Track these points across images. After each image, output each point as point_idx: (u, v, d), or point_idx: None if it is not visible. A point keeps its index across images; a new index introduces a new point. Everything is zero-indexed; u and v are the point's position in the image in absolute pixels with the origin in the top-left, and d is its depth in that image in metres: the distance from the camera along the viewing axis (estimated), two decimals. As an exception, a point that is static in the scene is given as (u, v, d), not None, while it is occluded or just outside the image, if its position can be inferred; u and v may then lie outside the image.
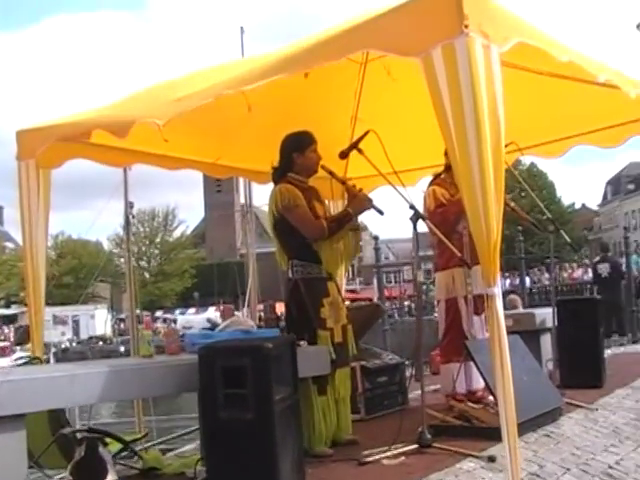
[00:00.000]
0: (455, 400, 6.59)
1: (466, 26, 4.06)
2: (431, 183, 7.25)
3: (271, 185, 5.97)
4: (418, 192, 7.43)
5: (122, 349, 42.09)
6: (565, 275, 32.19)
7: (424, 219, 5.52)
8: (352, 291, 61.08)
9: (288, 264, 5.79)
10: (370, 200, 5.81)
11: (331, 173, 5.87)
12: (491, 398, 6.87)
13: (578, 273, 30.86)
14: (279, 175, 5.88)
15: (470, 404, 6.34)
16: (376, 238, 15.25)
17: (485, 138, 4.11)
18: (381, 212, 5.73)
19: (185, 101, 5.29)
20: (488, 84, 4.17)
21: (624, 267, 18.33)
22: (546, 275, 31.88)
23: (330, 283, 5.84)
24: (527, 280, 33.04)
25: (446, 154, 6.79)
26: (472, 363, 6.47)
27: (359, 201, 5.76)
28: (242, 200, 30.40)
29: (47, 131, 6.07)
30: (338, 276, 6.22)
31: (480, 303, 6.84)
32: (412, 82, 5.19)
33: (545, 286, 29.70)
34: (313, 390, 5.55)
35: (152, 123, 5.02)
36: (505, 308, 4.64)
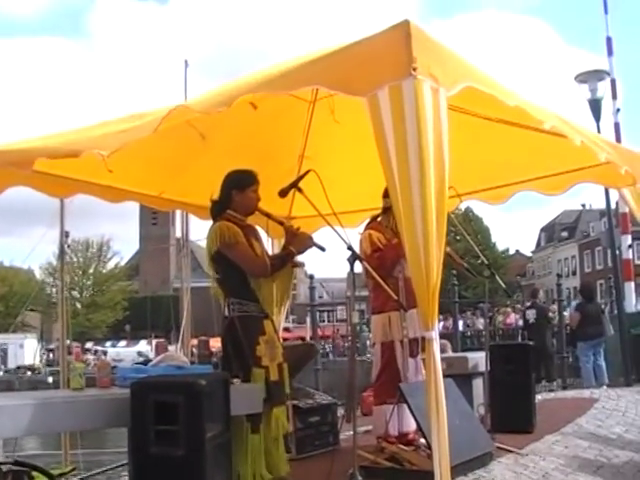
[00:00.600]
0: (387, 442, 6.59)
1: (414, 69, 4.08)
2: (367, 226, 7.26)
3: (210, 221, 5.94)
4: (357, 234, 7.47)
5: (50, 380, 41.35)
6: (500, 319, 32.46)
7: (361, 260, 5.55)
8: (285, 329, 60.90)
9: (225, 302, 5.74)
10: (311, 238, 5.83)
11: (268, 215, 5.89)
12: (422, 440, 6.91)
13: (512, 318, 31.14)
14: (217, 210, 5.86)
15: (401, 446, 6.35)
16: (311, 277, 15.16)
17: (429, 182, 4.12)
18: (322, 249, 5.76)
19: (130, 132, 5.27)
20: (435, 127, 4.19)
21: (554, 313, 18.56)
22: (480, 320, 32.12)
23: (266, 321, 5.80)
24: (460, 324, 33.34)
25: (384, 196, 6.86)
26: (404, 405, 6.50)
27: (301, 240, 5.78)
28: (178, 234, 30.28)
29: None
30: (275, 314, 6.19)
31: (415, 346, 6.92)
32: (358, 124, 5.22)
33: (478, 330, 29.94)
34: (246, 428, 5.47)
35: (97, 154, 4.99)
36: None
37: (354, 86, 4.35)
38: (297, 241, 5.78)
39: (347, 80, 4.40)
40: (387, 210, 7.04)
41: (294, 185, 5.65)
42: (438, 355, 4.26)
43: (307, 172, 5.77)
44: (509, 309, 31.24)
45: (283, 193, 5.64)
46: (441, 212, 4.20)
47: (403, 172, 4.17)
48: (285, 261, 5.79)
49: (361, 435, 7.03)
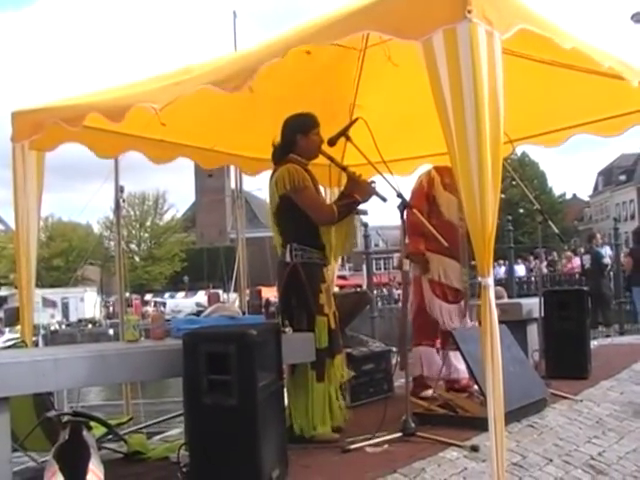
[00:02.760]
0: (421, 385, 6.81)
1: (469, 11, 4.00)
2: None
3: (263, 176, 5.93)
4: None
5: (111, 332, 42.12)
6: (562, 264, 32.03)
7: (411, 207, 5.52)
8: (342, 277, 61.07)
9: (286, 248, 5.68)
10: (374, 187, 5.74)
11: (331, 159, 5.78)
12: (475, 387, 6.93)
13: (575, 263, 30.65)
14: (280, 155, 5.82)
15: (454, 393, 6.36)
16: (366, 225, 15.20)
17: (484, 127, 4.07)
18: (384, 199, 5.68)
19: (182, 86, 5.30)
20: (490, 72, 4.12)
21: (607, 259, 18.32)
22: (544, 264, 31.79)
23: (326, 269, 5.83)
24: (523, 268, 32.98)
25: None
26: (452, 352, 6.55)
27: (364, 187, 5.68)
28: (233, 185, 30.39)
29: (43, 113, 6.05)
30: (333, 263, 6.21)
31: (454, 293, 6.95)
32: (413, 69, 5.14)
33: (543, 275, 29.61)
34: (311, 377, 5.54)
35: (149, 107, 5.03)
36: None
37: (407, 30, 4.28)
38: (361, 189, 5.68)
39: (400, 24, 4.31)
40: None
41: (342, 133, 5.62)
42: (494, 302, 4.23)
43: (355, 120, 5.74)
44: (571, 254, 30.79)
45: (331, 142, 5.61)
46: (496, 158, 4.14)
47: (458, 117, 4.12)
48: (350, 209, 5.73)
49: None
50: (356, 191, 5.69)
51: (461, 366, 6.77)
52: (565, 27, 5.04)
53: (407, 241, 6.68)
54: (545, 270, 30.72)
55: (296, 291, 5.62)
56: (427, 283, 7.08)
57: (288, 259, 5.65)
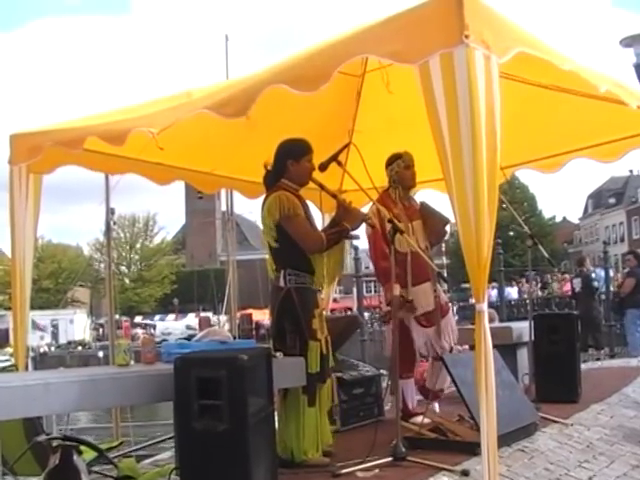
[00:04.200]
0: (407, 416, 6.72)
1: (466, 36, 4.06)
2: (377, 199, 6.92)
3: (256, 200, 5.95)
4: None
5: (101, 354, 41.90)
6: (555, 287, 32.09)
7: (402, 233, 5.54)
8: (333, 300, 61.01)
9: (280, 272, 5.68)
10: (363, 214, 5.83)
11: (321, 186, 5.78)
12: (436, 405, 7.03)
13: (570, 286, 30.71)
14: (272, 180, 5.82)
15: (445, 418, 6.36)
16: (356, 248, 15.18)
17: (481, 153, 4.11)
18: (373, 227, 5.80)
19: (179, 110, 5.33)
20: (487, 96, 4.16)
21: (600, 282, 18.33)
22: (538, 286, 31.79)
23: (319, 295, 5.84)
24: (515, 291, 33.00)
25: (387, 165, 6.88)
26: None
27: (354, 215, 5.73)
28: (223, 207, 30.42)
29: (41, 136, 6.09)
30: (325, 288, 6.21)
31: (430, 317, 6.93)
32: (412, 95, 5.19)
33: (535, 298, 29.49)
34: (302, 401, 5.54)
35: (147, 132, 5.06)
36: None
37: (404, 54, 4.34)
38: (351, 216, 5.71)
39: (397, 48, 4.37)
40: (395, 180, 7.01)
41: (334, 159, 5.62)
42: (488, 327, 4.26)
43: (347, 145, 5.79)
44: (567, 276, 30.81)
45: (322, 167, 5.61)
46: (492, 184, 4.18)
47: (454, 142, 4.16)
48: (339, 237, 5.74)
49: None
50: (346, 218, 5.71)
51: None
52: (563, 50, 5.06)
53: (382, 287, 6.75)
54: (539, 292, 30.72)
55: (289, 316, 5.62)
56: (412, 319, 7.00)
57: (282, 284, 5.66)
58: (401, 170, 6.99)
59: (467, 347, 7.70)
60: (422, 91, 4.25)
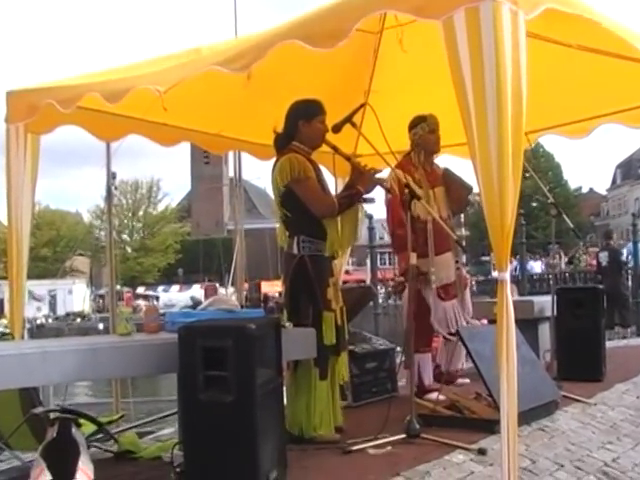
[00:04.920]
0: (423, 393, 6.77)
1: None
2: (397, 164, 6.91)
3: (264, 164, 5.95)
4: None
5: (101, 326, 42.10)
6: (584, 260, 31.93)
7: (419, 199, 5.54)
8: (345, 272, 60.97)
9: (293, 239, 5.69)
10: (378, 178, 5.81)
11: (334, 148, 5.79)
12: (461, 380, 7.03)
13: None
14: (282, 142, 5.82)
15: (461, 394, 6.38)
16: (370, 217, 15.11)
17: (506, 114, 4.07)
18: (389, 191, 5.81)
19: (187, 67, 5.32)
20: (513, 54, 4.11)
21: (628, 256, 18.31)
22: (565, 259, 31.66)
23: (334, 263, 5.85)
24: (539, 265, 32.94)
25: (411, 128, 6.88)
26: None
27: (368, 178, 5.73)
28: (231, 173, 30.37)
29: (39, 93, 6.07)
30: (340, 256, 6.21)
31: (450, 289, 6.94)
32: (431, 53, 5.14)
33: (559, 272, 29.24)
34: (314, 374, 5.56)
35: (153, 90, 5.05)
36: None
37: (428, 9, 4.27)
38: (364, 179, 5.72)
39: (420, 3, 4.31)
40: (419, 144, 7.01)
41: (348, 120, 5.60)
42: (510, 298, 4.25)
43: (362, 106, 5.78)
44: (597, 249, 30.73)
45: (336, 128, 5.60)
46: (517, 148, 4.14)
47: (479, 103, 4.12)
48: (352, 201, 5.75)
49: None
50: (359, 182, 5.73)
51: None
52: (594, 7, 4.97)
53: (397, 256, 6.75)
54: (564, 266, 30.60)
55: (303, 285, 5.64)
56: (431, 290, 6.99)
57: (295, 251, 5.67)
58: (425, 134, 7.00)
59: (485, 321, 7.71)
60: (445, 48, 4.20)
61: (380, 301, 20.85)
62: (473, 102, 4.13)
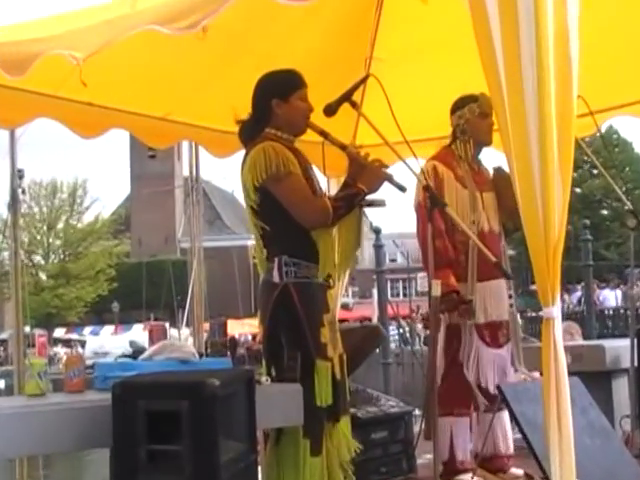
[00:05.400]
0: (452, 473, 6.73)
1: None
2: (434, 155, 7.08)
3: (234, 159, 5.89)
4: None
5: (1, 384, 42.06)
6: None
7: (444, 206, 5.53)
8: (343, 307, 60.75)
9: (273, 262, 5.62)
10: (386, 172, 5.69)
11: (323, 133, 5.71)
12: (514, 471, 6.97)
13: None
14: (253, 130, 5.74)
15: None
16: (377, 231, 15.07)
17: (549, 90, 4.08)
18: (402, 188, 5.59)
19: (117, 25, 5.30)
20: (557, 7, 4.11)
21: None
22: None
23: (330, 293, 5.79)
24: (614, 296, 32.85)
25: (453, 111, 6.88)
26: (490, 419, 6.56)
27: (372, 173, 5.66)
28: (186, 171, 30.40)
29: None
30: (337, 283, 6.15)
31: (498, 332, 6.93)
32: (451, 9, 5.16)
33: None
34: (303, 448, 5.47)
35: (68, 56, 5.02)
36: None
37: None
38: (367, 174, 5.65)
39: None
40: (465, 132, 7.01)
41: (346, 98, 5.57)
42: (561, 342, 4.26)
43: (365, 78, 5.77)
44: None
45: (330, 110, 5.55)
46: (567, 135, 4.16)
47: (512, 75, 4.13)
48: (352, 204, 5.66)
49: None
50: (361, 177, 5.66)
51: (499, 437, 6.86)
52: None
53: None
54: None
55: (288, 324, 5.58)
56: (471, 329, 6.99)
57: (276, 278, 5.59)
58: (474, 118, 6.95)
59: (538, 375, 7.71)
60: (469, 5, 4.22)
61: (392, 346, 20.85)
62: (505, 73, 4.14)
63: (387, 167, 5.73)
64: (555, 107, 4.08)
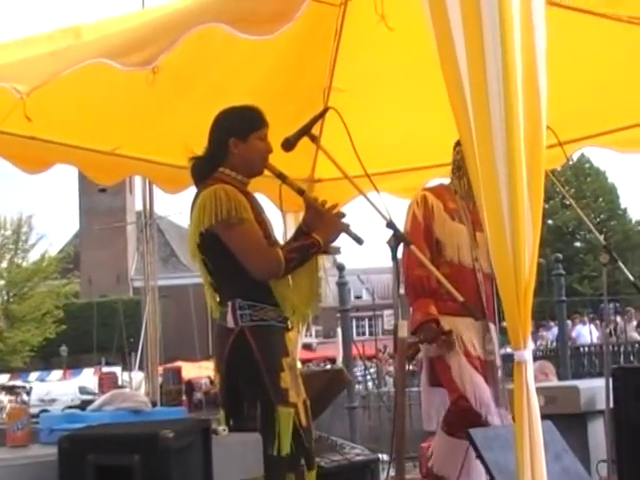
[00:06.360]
0: None
1: None
2: (426, 187, 7.22)
3: (187, 194, 5.86)
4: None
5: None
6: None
7: (408, 244, 5.53)
8: (305, 347, 60.84)
9: (227, 306, 5.61)
10: (343, 222, 5.72)
11: (281, 176, 5.72)
12: None
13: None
14: (205, 169, 5.73)
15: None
16: (341, 268, 15.06)
17: (517, 122, 4.11)
18: (359, 240, 5.62)
19: (64, 57, 5.28)
20: (524, 32, 4.14)
21: None
22: (634, 323, 31.52)
23: (288, 336, 5.77)
24: (589, 332, 32.90)
25: (457, 145, 6.88)
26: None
27: (329, 223, 5.68)
28: (139, 205, 30.33)
29: None
30: (297, 326, 6.12)
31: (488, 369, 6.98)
32: (415, 36, 5.16)
33: (619, 343, 28.91)
34: None
35: (10, 89, 5.00)
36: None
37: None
38: (323, 224, 5.67)
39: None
40: (458, 168, 7.05)
41: (305, 132, 5.55)
42: (533, 385, 4.26)
43: (325, 111, 5.77)
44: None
45: (288, 145, 5.52)
46: (536, 168, 4.19)
47: (479, 106, 4.17)
48: (305, 256, 5.65)
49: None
50: (316, 227, 5.69)
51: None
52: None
53: (410, 307, 6.76)
54: (636, 335, 30.51)
55: (245, 370, 5.57)
56: (460, 357, 7.02)
57: (231, 323, 5.59)
58: None
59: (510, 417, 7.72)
60: (432, 24, 4.24)
61: (358, 388, 20.83)
62: (471, 101, 4.17)
63: (344, 216, 5.75)
64: (524, 140, 4.10)
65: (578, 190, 59.45)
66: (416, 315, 6.75)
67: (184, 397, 31.43)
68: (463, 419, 6.89)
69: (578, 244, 60.97)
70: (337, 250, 5.81)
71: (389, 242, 5.42)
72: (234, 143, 5.65)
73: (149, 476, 4.13)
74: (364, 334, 61.20)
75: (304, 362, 43.74)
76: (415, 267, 6.67)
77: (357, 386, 21.41)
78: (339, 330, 20.68)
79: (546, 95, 4.20)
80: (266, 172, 5.78)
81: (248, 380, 5.56)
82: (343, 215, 5.76)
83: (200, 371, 45.96)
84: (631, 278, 7.50)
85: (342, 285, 15.29)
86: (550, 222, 65.50)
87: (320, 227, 5.65)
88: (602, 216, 65.94)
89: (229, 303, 5.61)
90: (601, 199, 69.06)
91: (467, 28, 4.13)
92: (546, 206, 65.60)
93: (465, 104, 4.18)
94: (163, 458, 4.16)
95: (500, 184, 4.12)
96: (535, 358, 5.81)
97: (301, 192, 5.78)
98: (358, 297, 60.80)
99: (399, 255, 5.52)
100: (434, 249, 6.96)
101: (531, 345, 4.28)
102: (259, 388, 5.53)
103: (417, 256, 5.65)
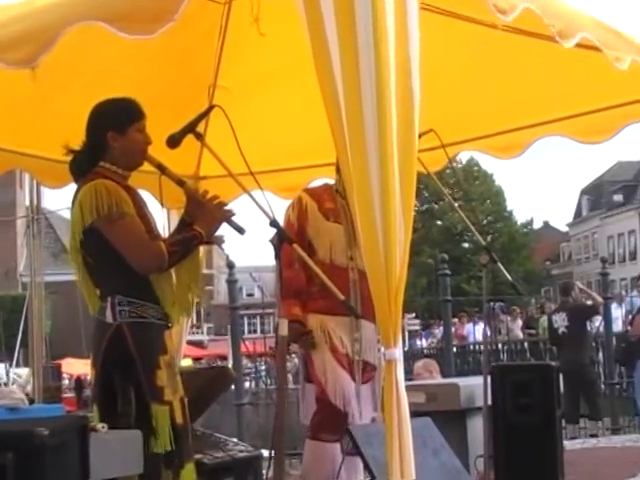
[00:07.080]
0: None
1: None
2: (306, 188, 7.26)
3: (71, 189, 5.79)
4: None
5: None
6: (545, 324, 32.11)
7: (291, 242, 5.52)
8: (197, 344, 60.50)
9: (106, 301, 5.56)
10: (225, 212, 5.67)
11: (161, 167, 5.67)
12: None
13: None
14: (84, 164, 5.65)
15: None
16: (231, 266, 14.95)
17: (390, 122, 4.12)
18: (241, 230, 5.56)
19: None
20: (398, 37, 4.17)
21: (597, 320, 18.26)
22: (519, 322, 31.74)
23: (167, 333, 5.71)
24: (480, 331, 33.06)
25: None
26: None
27: (210, 213, 5.64)
28: (27, 201, 29.95)
29: None
30: (176, 321, 6.06)
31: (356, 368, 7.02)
32: (292, 38, 5.14)
33: (521, 341, 29.10)
34: None
35: None
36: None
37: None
38: (205, 215, 5.64)
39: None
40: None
41: (190, 129, 5.53)
42: (402, 383, 4.27)
43: (210, 109, 5.76)
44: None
45: (174, 141, 5.50)
46: (408, 170, 4.21)
47: (352, 108, 4.18)
48: (189, 247, 5.61)
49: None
50: (198, 218, 5.67)
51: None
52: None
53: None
54: (520, 334, 30.69)
55: (121, 366, 5.50)
56: (325, 353, 7.04)
57: (109, 319, 5.53)
58: None
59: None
60: (307, 27, 4.26)
61: (247, 385, 20.78)
62: (345, 104, 4.20)
63: (226, 205, 5.72)
64: (397, 143, 4.12)
65: (467, 192, 59.83)
66: (279, 312, 6.81)
67: (73, 394, 31.05)
68: (326, 416, 6.92)
69: (466, 245, 61.39)
70: (221, 240, 5.78)
71: (272, 240, 5.41)
72: (113, 137, 5.59)
73: (23, 474, 4.06)
74: (255, 332, 61.11)
75: (195, 359, 43.64)
76: (285, 268, 6.68)
77: (247, 383, 21.37)
78: (230, 327, 20.54)
79: (419, 99, 4.22)
80: (148, 168, 5.74)
81: (123, 376, 5.50)
82: (224, 204, 5.71)
83: (87, 368, 45.37)
84: (509, 279, 7.55)
85: (232, 283, 15.23)
86: (439, 223, 66.16)
87: (201, 218, 5.62)
88: (489, 218, 66.62)
89: (109, 298, 5.55)
90: (488, 201, 69.79)
91: (341, 32, 4.16)
92: (436, 207, 66.55)
93: (339, 108, 4.20)
94: (37, 456, 4.10)
95: (372, 185, 4.14)
96: (424, 356, 5.84)
97: (181, 183, 5.74)
98: (250, 295, 60.61)
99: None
100: (307, 250, 6.91)
101: (401, 344, 4.29)
102: (134, 385, 5.48)
103: (291, 256, 5.66)
